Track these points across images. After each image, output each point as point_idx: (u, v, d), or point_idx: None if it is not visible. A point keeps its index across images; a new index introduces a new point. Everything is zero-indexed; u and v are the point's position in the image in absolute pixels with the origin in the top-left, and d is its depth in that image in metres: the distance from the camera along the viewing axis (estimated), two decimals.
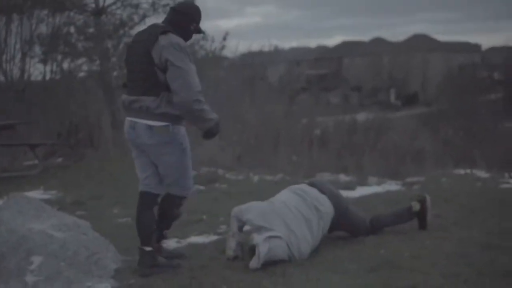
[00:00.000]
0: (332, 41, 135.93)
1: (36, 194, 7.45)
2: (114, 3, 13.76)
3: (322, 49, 59.66)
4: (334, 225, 4.76)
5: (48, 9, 13.97)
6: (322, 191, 4.74)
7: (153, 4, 13.82)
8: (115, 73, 13.79)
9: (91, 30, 14.29)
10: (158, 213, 4.34)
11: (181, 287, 3.94)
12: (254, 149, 11.54)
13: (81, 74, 15.28)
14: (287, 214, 4.46)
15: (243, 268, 4.23)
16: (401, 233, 4.90)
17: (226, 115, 13.49)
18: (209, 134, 4.14)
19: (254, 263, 4.19)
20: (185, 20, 4.27)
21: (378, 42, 56.86)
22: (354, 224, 4.87)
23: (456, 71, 34.68)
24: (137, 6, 14.07)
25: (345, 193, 6.30)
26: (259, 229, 4.34)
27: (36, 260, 3.99)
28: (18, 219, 4.41)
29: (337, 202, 4.75)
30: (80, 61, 14.90)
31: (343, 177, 8.00)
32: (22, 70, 14.09)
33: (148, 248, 4.23)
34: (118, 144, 9.79)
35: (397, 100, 40.51)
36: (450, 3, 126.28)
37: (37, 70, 14.78)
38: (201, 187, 7.51)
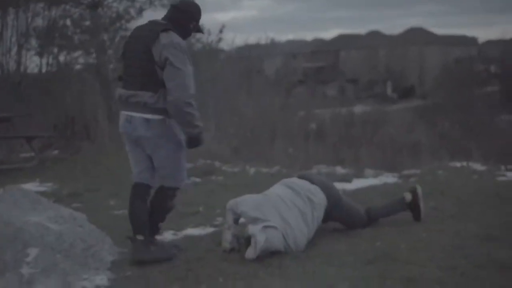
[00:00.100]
0: (328, 34, 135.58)
1: (32, 186, 7.45)
2: None
3: (319, 42, 59.49)
4: (328, 216, 4.75)
5: (44, 2, 13.91)
6: (313, 182, 4.75)
7: None
8: (111, 66, 13.75)
9: (87, 23, 14.26)
10: (152, 206, 4.35)
11: (177, 279, 3.94)
12: (251, 142, 11.52)
13: (77, 67, 15.22)
14: (282, 207, 4.46)
15: (240, 260, 4.23)
16: (398, 226, 4.91)
17: (222, 107, 13.52)
18: (193, 141, 4.15)
19: (250, 253, 4.19)
20: (185, 18, 4.27)
21: (374, 35, 56.73)
22: (349, 215, 4.87)
23: (453, 64, 34.61)
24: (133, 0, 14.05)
25: (341, 186, 6.31)
26: (254, 220, 4.34)
27: (32, 252, 3.99)
28: (14, 211, 4.41)
29: (329, 193, 4.75)
30: (76, 54, 14.85)
31: (339, 170, 7.99)
32: (18, 63, 14.01)
33: (141, 237, 4.24)
34: (114, 136, 9.78)
35: (394, 93, 40.41)
36: None
37: (33, 63, 14.75)
38: (198, 179, 7.51)
